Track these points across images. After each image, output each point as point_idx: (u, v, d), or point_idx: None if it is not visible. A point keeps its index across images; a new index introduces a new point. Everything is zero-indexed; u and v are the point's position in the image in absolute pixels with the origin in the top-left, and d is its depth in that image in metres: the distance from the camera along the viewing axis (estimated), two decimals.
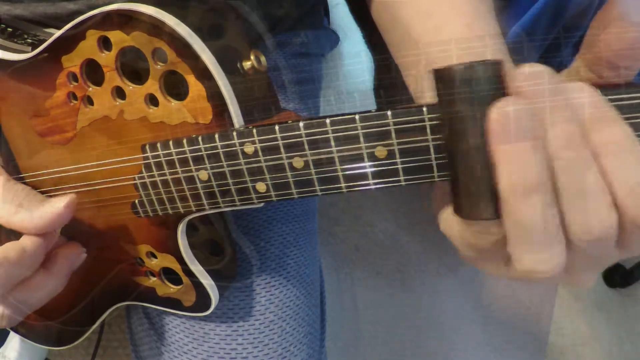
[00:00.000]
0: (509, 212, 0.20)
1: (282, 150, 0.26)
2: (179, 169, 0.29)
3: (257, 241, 0.45)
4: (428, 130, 0.23)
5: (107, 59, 0.30)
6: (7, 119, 0.37)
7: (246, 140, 0.27)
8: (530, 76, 0.20)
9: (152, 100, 0.30)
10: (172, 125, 0.30)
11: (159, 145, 0.30)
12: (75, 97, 0.33)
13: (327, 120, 0.24)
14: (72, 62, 0.32)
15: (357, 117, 0.24)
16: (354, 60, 0.62)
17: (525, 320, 1.00)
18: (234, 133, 0.27)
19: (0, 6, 0.38)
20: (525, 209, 0.20)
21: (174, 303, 0.39)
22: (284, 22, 0.47)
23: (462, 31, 0.33)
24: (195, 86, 0.29)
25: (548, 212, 0.20)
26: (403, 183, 0.24)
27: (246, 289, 0.43)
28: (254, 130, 0.26)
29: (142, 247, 0.36)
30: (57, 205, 0.31)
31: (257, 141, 0.26)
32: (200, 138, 0.28)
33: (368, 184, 0.25)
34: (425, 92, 0.33)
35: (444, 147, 0.22)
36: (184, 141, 0.28)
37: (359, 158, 0.24)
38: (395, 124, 0.23)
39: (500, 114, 0.19)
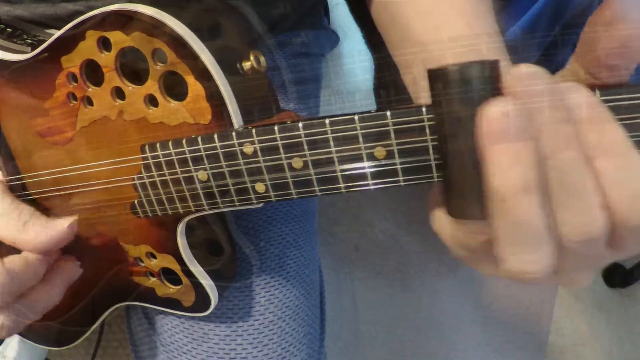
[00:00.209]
0: (497, 212, 0.20)
1: (281, 150, 0.26)
2: (178, 170, 0.29)
3: (257, 241, 0.45)
4: (427, 131, 0.23)
5: (106, 60, 0.30)
6: (7, 119, 0.37)
7: (245, 140, 0.27)
8: (523, 77, 0.20)
9: (152, 100, 0.30)
10: (172, 125, 0.30)
11: (158, 145, 0.30)
12: (74, 98, 0.33)
13: (327, 121, 0.24)
14: (72, 63, 0.32)
15: (356, 117, 0.24)
16: (354, 60, 0.62)
17: (525, 320, 1.00)
18: (233, 133, 0.27)
19: (0, 7, 0.38)
20: (513, 210, 0.20)
21: (173, 303, 0.39)
22: (284, 22, 0.47)
23: (462, 31, 0.33)
24: (194, 86, 0.29)
25: (537, 213, 0.20)
26: (402, 183, 0.24)
27: (246, 289, 0.43)
28: (253, 131, 0.26)
29: (142, 248, 0.36)
30: (61, 225, 0.33)
31: (256, 141, 0.26)
32: (199, 138, 0.28)
33: (367, 184, 0.25)
34: (423, 92, 0.33)
35: (437, 146, 0.22)
36: (183, 141, 0.28)
37: (358, 158, 0.24)
38: (394, 124, 0.23)
39: (490, 114, 0.19)
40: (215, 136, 0.27)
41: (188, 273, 0.36)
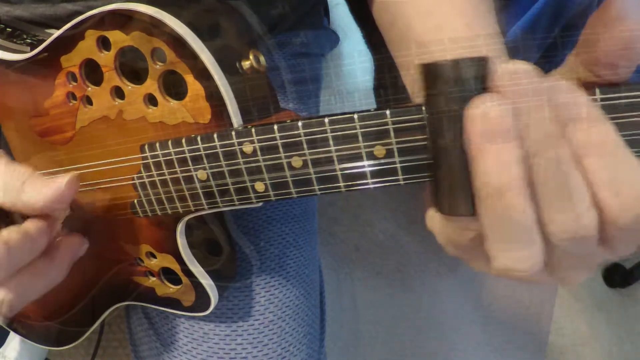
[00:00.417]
0: (485, 210, 0.20)
1: (280, 149, 0.26)
2: (177, 169, 0.29)
3: (257, 241, 0.45)
4: (427, 129, 0.23)
5: (106, 59, 0.30)
6: (7, 119, 0.37)
7: (245, 139, 0.27)
8: (511, 74, 0.20)
9: (151, 100, 0.30)
10: (171, 125, 0.30)
11: (157, 145, 0.30)
12: (74, 97, 0.33)
13: (326, 120, 0.24)
14: (71, 62, 0.32)
15: (355, 116, 0.24)
16: (354, 60, 0.62)
17: (525, 320, 1.00)
18: (233, 132, 0.27)
19: (0, 7, 0.38)
20: (500, 208, 0.20)
21: (173, 303, 0.39)
22: (284, 22, 0.47)
23: (462, 30, 0.33)
24: (194, 86, 0.29)
25: (524, 211, 0.20)
26: (402, 182, 0.24)
27: (245, 289, 0.43)
28: (253, 130, 0.26)
29: (142, 247, 0.36)
30: (59, 183, 0.31)
31: (255, 141, 0.26)
32: (199, 138, 0.28)
33: (367, 183, 0.25)
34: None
35: (428, 143, 0.22)
36: (183, 141, 0.28)
37: (357, 157, 0.24)
38: (393, 123, 0.23)
39: (477, 111, 0.19)
40: (215, 135, 0.27)
41: (188, 273, 0.36)
